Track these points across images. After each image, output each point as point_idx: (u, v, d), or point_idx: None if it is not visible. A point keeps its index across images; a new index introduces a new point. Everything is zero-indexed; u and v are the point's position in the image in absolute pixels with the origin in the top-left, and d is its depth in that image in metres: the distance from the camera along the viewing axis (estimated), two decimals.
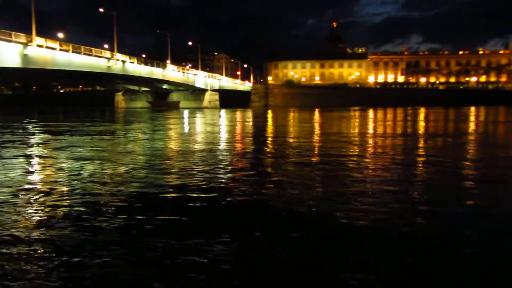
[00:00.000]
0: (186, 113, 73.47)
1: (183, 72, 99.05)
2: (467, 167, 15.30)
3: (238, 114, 68.94)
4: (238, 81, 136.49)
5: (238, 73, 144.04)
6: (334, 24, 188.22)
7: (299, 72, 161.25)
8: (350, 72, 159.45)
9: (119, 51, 75.89)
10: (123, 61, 75.67)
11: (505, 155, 18.97)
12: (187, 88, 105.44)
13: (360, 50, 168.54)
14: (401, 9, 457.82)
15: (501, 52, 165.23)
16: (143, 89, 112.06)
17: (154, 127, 38.52)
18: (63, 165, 15.72)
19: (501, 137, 31.20)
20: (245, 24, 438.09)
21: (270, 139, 28.31)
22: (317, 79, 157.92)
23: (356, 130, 34.45)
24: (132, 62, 79.16)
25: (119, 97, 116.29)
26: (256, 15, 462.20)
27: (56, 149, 20.88)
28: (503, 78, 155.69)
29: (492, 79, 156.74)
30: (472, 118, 54.22)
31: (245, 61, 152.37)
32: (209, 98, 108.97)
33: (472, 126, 38.90)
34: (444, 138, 28.58)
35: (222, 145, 23.58)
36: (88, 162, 16.04)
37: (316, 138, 27.92)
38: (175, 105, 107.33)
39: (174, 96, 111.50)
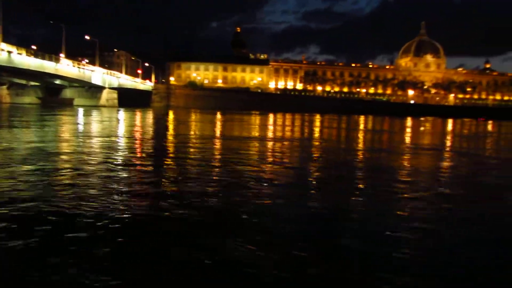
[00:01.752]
0: (80, 111, 69.37)
1: (79, 68, 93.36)
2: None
3: (137, 114, 66.85)
4: (139, 80, 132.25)
5: (139, 71, 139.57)
6: (238, 29, 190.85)
7: (202, 74, 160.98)
8: (252, 77, 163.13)
9: (5, 41, 69.29)
10: (9, 52, 69.18)
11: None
12: (82, 84, 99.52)
13: (262, 56, 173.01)
14: (301, 19, 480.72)
15: (387, 67, 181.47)
16: (32, 83, 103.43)
17: None
18: None
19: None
20: (148, 22, 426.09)
21: (163, 141, 27.88)
22: (219, 82, 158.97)
23: (249, 134, 35.40)
24: (20, 54, 72.74)
25: (3, 91, 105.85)
26: (160, 15, 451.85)
27: None
28: (389, 91, 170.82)
29: (380, 91, 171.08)
30: (361, 126, 58.69)
31: (147, 60, 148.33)
32: (107, 96, 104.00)
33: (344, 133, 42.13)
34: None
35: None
36: None
37: (204, 140, 28.12)
38: (69, 102, 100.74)
39: (68, 93, 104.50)
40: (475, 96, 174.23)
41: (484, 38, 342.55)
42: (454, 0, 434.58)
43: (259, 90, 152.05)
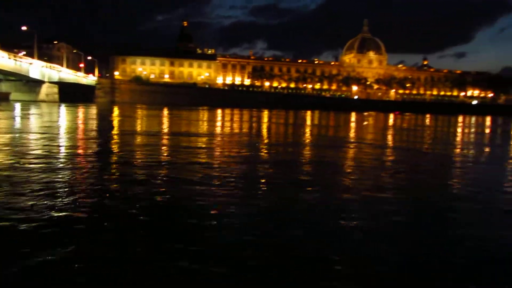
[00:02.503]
0: (17, 106, 65.77)
1: (15, 60, 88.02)
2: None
3: (80, 110, 64.34)
4: (81, 74, 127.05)
5: (81, 65, 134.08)
6: (185, 23, 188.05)
7: (148, 68, 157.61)
8: (200, 72, 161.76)
9: None
10: None
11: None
12: (19, 78, 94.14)
13: (210, 51, 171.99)
14: (249, 15, 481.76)
15: (332, 63, 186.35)
16: None
17: None
18: None
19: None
20: (91, 14, 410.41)
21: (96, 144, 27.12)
22: (166, 77, 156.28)
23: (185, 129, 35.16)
24: None
25: None
26: (104, 6, 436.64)
27: None
28: (334, 87, 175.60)
29: (325, 86, 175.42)
30: (309, 121, 59.91)
31: (90, 53, 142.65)
32: (47, 90, 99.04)
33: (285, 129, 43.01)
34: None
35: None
36: None
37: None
38: (5, 96, 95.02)
39: (3, 87, 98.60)
40: (414, 92, 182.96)
41: (422, 36, 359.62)
42: None
43: (207, 86, 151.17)
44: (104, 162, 15.69)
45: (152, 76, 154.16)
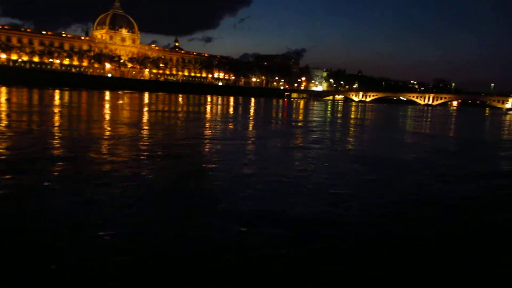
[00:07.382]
0: None
1: None
2: None
3: None
4: None
5: None
6: None
7: None
8: None
9: None
10: None
11: None
12: None
13: None
14: None
15: (83, 38, 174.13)
16: None
17: None
18: None
19: None
20: None
21: None
22: None
23: None
24: None
25: None
26: None
27: None
28: (85, 63, 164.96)
29: (75, 63, 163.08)
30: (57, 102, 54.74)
31: None
32: None
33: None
34: None
35: None
36: None
37: None
38: None
39: None
40: (167, 72, 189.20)
41: (173, 18, 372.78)
42: None
43: None
44: None
45: None
